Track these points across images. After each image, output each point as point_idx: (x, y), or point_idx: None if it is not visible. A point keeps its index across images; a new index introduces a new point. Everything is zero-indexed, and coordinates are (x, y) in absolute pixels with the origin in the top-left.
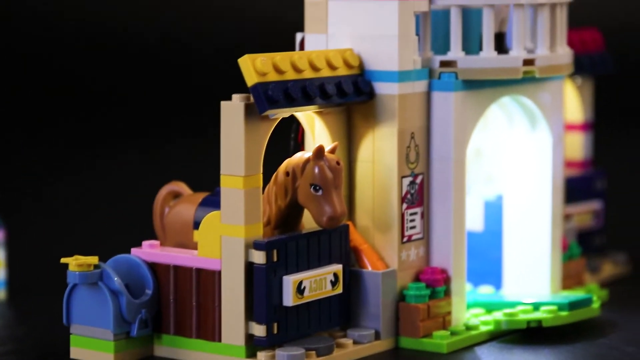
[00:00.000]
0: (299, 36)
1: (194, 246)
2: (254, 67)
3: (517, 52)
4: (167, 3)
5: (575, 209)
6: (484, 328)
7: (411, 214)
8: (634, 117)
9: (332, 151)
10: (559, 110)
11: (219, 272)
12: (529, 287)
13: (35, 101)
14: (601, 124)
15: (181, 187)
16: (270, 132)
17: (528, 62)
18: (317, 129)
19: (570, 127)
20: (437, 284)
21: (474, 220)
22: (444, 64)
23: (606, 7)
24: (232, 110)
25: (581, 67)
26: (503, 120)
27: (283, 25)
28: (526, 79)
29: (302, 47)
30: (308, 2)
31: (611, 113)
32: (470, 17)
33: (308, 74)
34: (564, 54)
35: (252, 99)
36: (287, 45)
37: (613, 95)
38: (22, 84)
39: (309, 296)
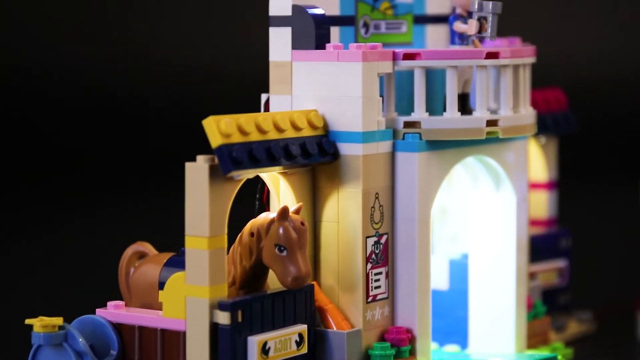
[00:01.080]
0: (263, 97)
1: (159, 307)
2: (219, 128)
3: (480, 113)
4: (136, 63)
5: (540, 267)
6: None
7: (376, 274)
8: (597, 176)
9: (297, 212)
10: (523, 169)
11: (184, 333)
12: (494, 346)
13: None
14: (565, 183)
15: (146, 247)
16: (235, 193)
17: (491, 123)
18: (281, 190)
19: (534, 186)
20: (402, 343)
21: (440, 279)
22: (408, 124)
23: (570, 67)
24: (197, 171)
25: (545, 126)
26: (467, 180)
27: (248, 86)
28: (490, 139)
29: (267, 108)
30: (273, 63)
31: (575, 171)
32: (434, 78)
33: (272, 135)
34: (527, 114)
35: (216, 160)
36: (253, 105)
37: (577, 153)
38: None
39: (274, 357)
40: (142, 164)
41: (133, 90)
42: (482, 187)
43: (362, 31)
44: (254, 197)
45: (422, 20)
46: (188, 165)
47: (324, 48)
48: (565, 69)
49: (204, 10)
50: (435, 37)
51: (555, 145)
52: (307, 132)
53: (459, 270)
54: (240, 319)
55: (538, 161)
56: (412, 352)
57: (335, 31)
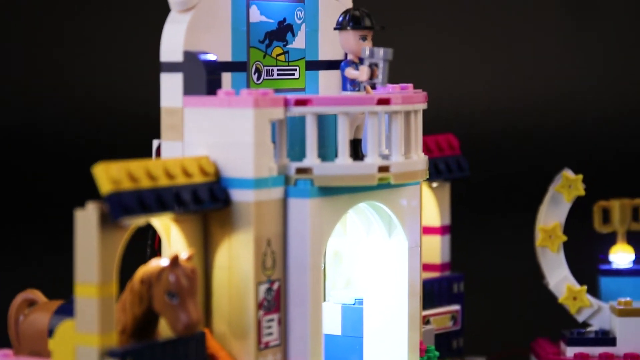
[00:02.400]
0: (155, 143)
1: (48, 355)
2: (108, 175)
3: (372, 159)
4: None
5: (433, 312)
6: None
7: (268, 321)
8: (490, 220)
9: (188, 259)
10: (415, 214)
11: None
12: None
13: None
14: (458, 227)
15: (36, 295)
16: (125, 239)
17: (383, 169)
18: (173, 236)
19: (428, 231)
20: None
21: (333, 325)
22: (300, 170)
23: (462, 112)
24: (86, 218)
25: (438, 170)
26: (360, 226)
27: (140, 132)
28: (382, 185)
29: (158, 154)
30: (164, 109)
31: (468, 216)
32: (326, 124)
33: (163, 181)
34: (419, 160)
35: (106, 207)
36: (144, 151)
37: (469, 198)
38: None
39: None
40: (31, 209)
41: (26, 133)
42: (375, 233)
43: (254, 77)
44: (145, 243)
45: (315, 66)
46: (78, 212)
47: (215, 94)
48: (457, 114)
49: (98, 55)
50: (328, 82)
51: (448, 189)
52: (198, 178)
53: (352, 315)
54: None
55: (431, 206)
56: None
57: (227, 77)
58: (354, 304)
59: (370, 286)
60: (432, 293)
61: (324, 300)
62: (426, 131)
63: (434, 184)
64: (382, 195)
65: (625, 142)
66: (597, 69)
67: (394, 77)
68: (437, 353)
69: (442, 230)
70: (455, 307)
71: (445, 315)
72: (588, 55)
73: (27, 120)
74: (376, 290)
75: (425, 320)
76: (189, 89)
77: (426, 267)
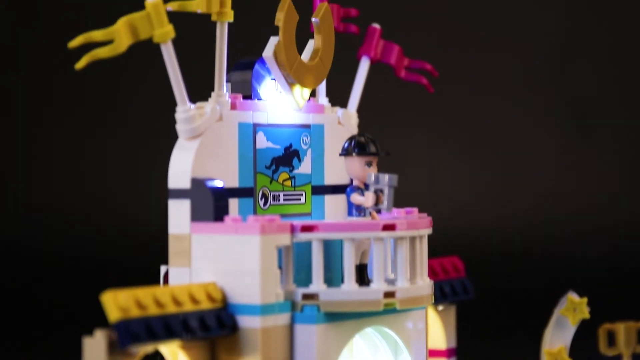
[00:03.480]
0: (163, 269)
1: None
2: (116, 302)
3: (377, 285)
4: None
5: None
6: None
7: None
8: (496, 342)
9: None
10: (421, 338)
11: None
12: None
13: None
14: (464, 350)
15: None
16: None
17: (389, 295)
18: None
19: (434, 354)
20: None
21: None
22: (306, 296)
23: (468, 235)
24: (95, 345)
25: (443, 293)
26: (367, 350)
27: (147, 257)
28: (388, 310)
29: (166, 280)
30: (172, 236)
31: (473, 338)
32: (332, 249)
33: (171, 308)
34: (424, 285)
35: (114, 334)
36: (152, 278)
37: (475, 320)
38: None
39: None
40: (39, 336)
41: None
42: (382, 357)
43: (261, 202)
44: None
45: (321, 190)
46: (86, 340)
47: (222, 220)
48: (463, 236)
49: (106, 181)
50: (333, 207)
51: (453, 312)
52: (205, 305)
53: None
54: None
55: (437, 329)
56: None
57: (234, 203)
58: None
59: None
60: None
61: None
62: (430, 251)
63: (440, 307)
64: (388, 319)
65: (631, 263)
66: (602, 189)
67: (399, 201)
68: None
69: (448, 353)
70: None
71: None
72: (592, 175)
73: (33, 246)
74: None
75: None
76: (197, 216)
77: None
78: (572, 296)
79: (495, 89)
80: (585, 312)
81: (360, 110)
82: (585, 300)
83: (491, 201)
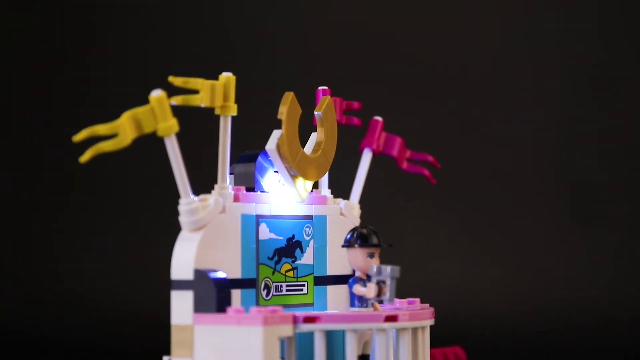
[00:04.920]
0: (165, 359)
1: None
2: None
3: None
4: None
5: None
6: None
7: None
8: None
9: None
10: None
11: None
12: None
13: None
14: None
15: None
16: None
17: None
18: None
19: None
20: None
21: None
22: None
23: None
24: None
25: None
26: None
27: (150, 349)
28: None
29: None
30: (174, 327)
31: None
32: (335, 340)
33: None
34: None
35: None
36: None
37: None
38: None
39: None
40: None
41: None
42: None
43: (264, 293)
44: None
45: (323, 281)
46: None
47: (225, 311)
48: (465, 325)
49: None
50: (336, 297)
51: None
52: None
53: None
54: None
55: None
56: None
57: (236, 294)
58: None
59: None
60: None
61: None
62: (433, 341)
63: None
64: None
65: (631, 348)
66: (601, 275)
67: (400, 289)
68: None
69: None
70: None
71: None
72: (592, 261)
73: (34, 331)
74: None
75: None
76: (199, 307)
77: None
78: None
79: (494, 175)
80: None
81: (362, 201)
82: None
83: (493, 289)
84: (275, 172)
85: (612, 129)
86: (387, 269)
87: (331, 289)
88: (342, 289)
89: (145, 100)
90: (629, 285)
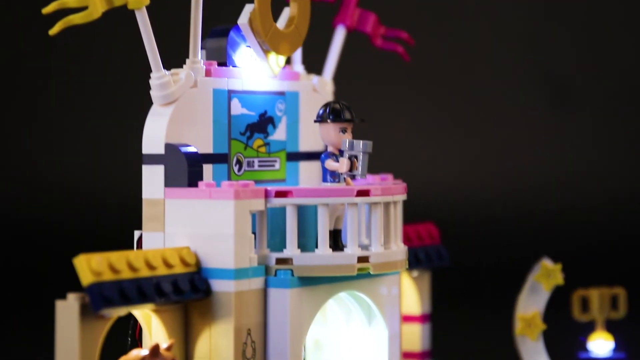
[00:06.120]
0: (136, 234)
1: None
2: (89, 266)
3: (351, 250)
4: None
5: None
6: None
7: None
8: (470, 308)
9: (169, 349)
10: (395, 303)
11: None
12: None
13: None
14: (439, 316)
15: None
16: (106, 330)
17: (362, 259)
18: (154, 327)
19: (408, 319)
20: None
21: None
22: (280, 261)
23: (442, 201)
24: (67, 309)
25: (418, 260)
26: (340, 315)
27: (121, 223)
28: (362, 274)
29: (139, 245)
30: (146, 201)
31: (449, 304)
32: (307, 215)
33: (144, 272)
34: (398, 250)
35: (87, 298)
36: (125, 242)
37: (450, 286)
38: None
39: None
40: (11, 300)
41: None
42: (355, 322)
43: (235, 168)
44: (126, 334)
45: (295, 157)
46: (58, 304)
47: (196, 186)
48: (438, 203)
49: (80, 146)
50: (308, 173)
51: (428, 278)
52: (179, 269)
53: None
54: None
55: (411, 294)
56: None
57: (208, 169)
58: None
59: None
60: None
61: None
62: (406, 217)
63: (414, 273)
64: (362, 284)
65: (603, 230)
66: (573, 158)
67: (377, 168)
68: None
69: (422, 319)
70: None
71: None
72: (565, 144)
73: (5, 211)
74: None
75: None
76: (171, 181)
77: (406, 355)
78: (546, 262)
79: (474, 58)
80: (559, 278)
81: (336, 78)
82: (559, 266)
83: (468, 169)
84: (247, 47)
85: (589, 18)
86: (360, 143)
87: (303, 165)
88: (315, 165)
89: None
90: (602, 168)
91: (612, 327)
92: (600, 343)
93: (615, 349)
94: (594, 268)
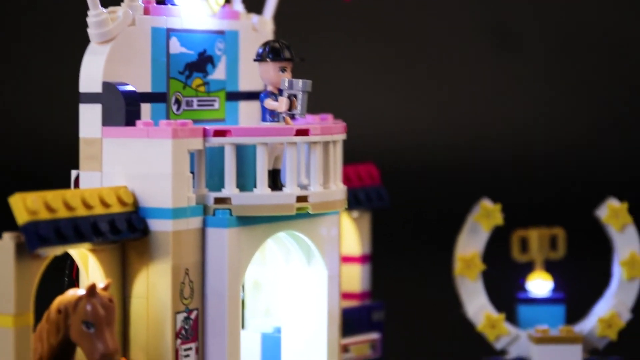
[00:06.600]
0: (73, 173)
1: None
2: (25, 205)
3: (290, 189)
4: None
5: (353, 340)
6: None
7: (185, 349)
8: (409, 249)
9: (106, 288)
10: (334, 244)
11: None
12: None
13: None
14: (379, 256)
15: None
16: (42, 270)
17: (301, 199)
18: (90, 266)
19: (347, 260)
20: None
21: (252, 353)
22: (218, 200)
23: (383, 143)
24: (2, 248)
25: (358, 200)
26: (280, 255)
27: (58, 162)
28: (301, 214)
29: (76, 185)
30: (83, 140)
31: (388, 245)
32: (246, 155)
33: (81, 211)
34: (338, 190)
35: (23, 237)
36: (62, 181)
37: (389, 227)
38: None
39: None
40: None
41: None
42: (294, 262)
43: (174, 108)
44: (63, 273)
45: (235, 97)
46: None
47: (134, 125)
48: (378, 144)
49: (15, 83)
50: (248, 113)
51: (368, 219)
52: (116, 208)
53: (272, 343)
54: None
55: (351, 235)
56: None
57: (146, 108)
58: (273, 333)
59: (290, 315)
60: (351, 321)
61: (244, 328)
62: (347, 159)
63: (354, 214)
64: (301, 224)
65: (544, 171)
66: (517, 102)
67: (317, 109)
68: None
69: (362, 259)
70: (375, 336)
71: (364, 343)
72: (506, 90)
73: None
74: (295, 318)
75: (345, 349)
76: (108, 120)
77: (346, 296)
78: (486, 203)
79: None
80: (498, 219)
81: (276, 17)
82: (498, 207)
83: (412, 113)
84: None
85: None
86: (299, 82)
87: (243, 105)
88: (255, 104)
89: None
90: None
91: (550, 267)
92: (539, 283)
93: (554, 289)
94: (533, 208)
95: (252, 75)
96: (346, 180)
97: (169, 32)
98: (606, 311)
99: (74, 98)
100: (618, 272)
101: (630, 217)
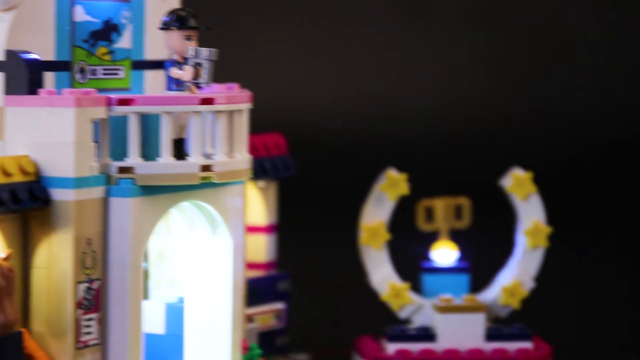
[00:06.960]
0: None
1: None
2: None
3: (194, 158)
4: None
5: (257, 310)
6: None
7: (87, 320)
8: (316, 220)
9: (7, 259)
10: (239, 213)
11: None
12: None
13: None
14: (285, 226)
15: None
16: None
17: (206, 168)
18: None
19: (253, 229)
20: None
21: (156, 324)
22: (122, 170)
23: (290, 112)
24: None
25: (264, 170)
26: (184, 225)
27: None
28: (205, 184)
29: None
30: None
31: (294, 215)
32: (150, 124)
33: None
34: (243, 159)
35: None
36: None
37: (296, 197)
38: None
39: None
40: None
41: None
42: (199, 232)
43: (78, 77)
44: None
45: (141, 65)
46: None
47: (37, 93)
48: (285, 113)
49: None
50: (154, 82)
51: (274, 189)
52: (17, 177)
53: (175, 314)
54: None
55: (257, 205)
56: None
57: (50, 76)
58: (177, 303)
59: (194, 285)
60: (256, 291)
61: (147, 299)
62: (254, 129)
63: (261, 184)
64: (206, 194)
65: (450, 140)
66: (425, 73)
67: (228, 79)
68: (260, 351)
69: (268, 229)
70: (280, 305)
71: (269, 313)
72: (418, 61)
73: None
74: (200, 288)
75: (249, 319)
76: (10, 89)
77: (252, 266)
78: (391, 172)
79: None
80: (404, 188)
81: None
82: (404, 176)
83: (321, 83)
84: None
85: None
86: (204, 51)
87: (149, 74)
88: (160, 74)
89: None
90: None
91: (455, 237)
92: (444, 252)
93: (460, 259)
94: (438, 178)
95: (158, 44)
96: (253, 149)
97: (73, 0)
98: (510, 280)
99: None
100: (522, 241)
101: (535, 186)
